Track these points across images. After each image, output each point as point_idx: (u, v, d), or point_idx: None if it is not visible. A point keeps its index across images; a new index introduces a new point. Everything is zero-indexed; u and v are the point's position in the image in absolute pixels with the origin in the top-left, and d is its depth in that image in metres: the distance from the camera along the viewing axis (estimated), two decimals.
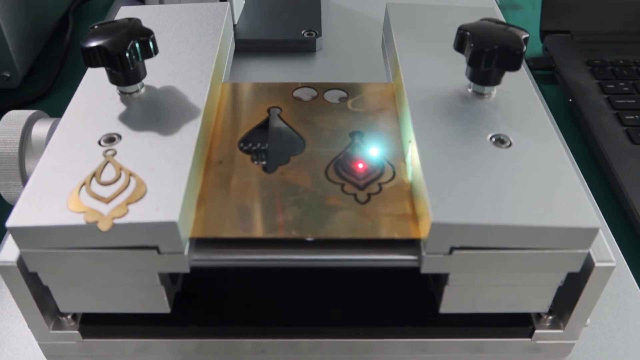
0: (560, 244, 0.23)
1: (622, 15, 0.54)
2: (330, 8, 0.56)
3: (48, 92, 0.51)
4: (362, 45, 0.51)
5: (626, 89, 0.47)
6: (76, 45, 0.56)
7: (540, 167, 0.25)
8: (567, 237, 0.23)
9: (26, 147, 0.29)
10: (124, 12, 0.34)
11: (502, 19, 0.54)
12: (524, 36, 0.27)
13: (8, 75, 0.48)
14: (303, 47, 0.50)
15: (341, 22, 0.54)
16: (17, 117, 0.30)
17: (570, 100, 0.48)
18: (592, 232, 0.23)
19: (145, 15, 0.34)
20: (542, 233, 0.23)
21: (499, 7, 0.58)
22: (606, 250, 0.25)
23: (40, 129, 0.30)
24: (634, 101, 0.46)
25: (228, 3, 0.36)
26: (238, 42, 0.48)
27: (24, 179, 0.29)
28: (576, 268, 0.24)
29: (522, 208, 0.23)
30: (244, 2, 0.53)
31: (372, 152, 0.28)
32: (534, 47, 0.55)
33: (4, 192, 0.29)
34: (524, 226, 0.23)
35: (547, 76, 0.53)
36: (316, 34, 0.50)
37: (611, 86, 0.48)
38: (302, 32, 0.50)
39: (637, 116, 0.45)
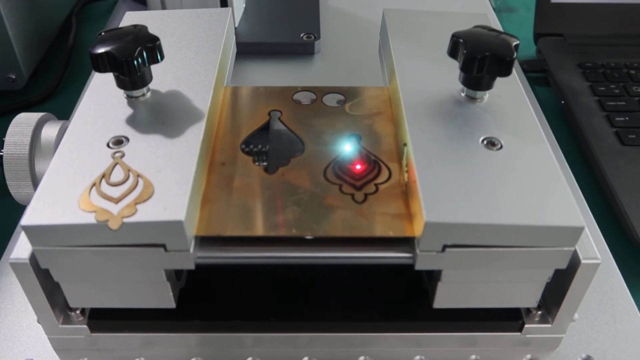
0: (547, 242, 0.25)
1: (614, 19, 0.55)
2: (328, 12, 0.57)
3: (52, 94, 0.52)
4: (360, 48, 0.52)
5: (617, 91, 0.49)
6: (79, 48, 0.57)
7: (529, 169, 0.26)
8: (553, 235, 0.24)
9: (36, 148, 0.30)
10: (129, 18, 0.35)
11: (497, 22, 0.56)
12: (514, 43, 0.28)
13: (13, 77, 0.49)
14: (302, 49, 0.51)
15: (339, 25, 0.55)
16: (27, 119, 0.31)
17: (563, 102, 0.49)
18: (578, 231, 0.24)
19: (150, 20, 0.35)
20: (530, 231, 0.24)
21: (494, 10, 0.59)
22: (592, 247, 0.26)
23: (49, 131, 0.31)
24: (624, 103, 0.47)
25: (230, 8, 0.37)
26: (238, 44, 0.49)
27: (34, 179, 0.30)
28: (563, 265, 0.26)
29: (512, 208, 0.24)
30: (244, 5, 0.54)
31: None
32: (527, 49, 0.57)
33: (14, 192, 0.31)
34: (513, 225, 0.24)
35: (540, 78, 0.54)
36: (315, 37, 0.51)
37: (602, 88, 0.49)
38: (301, 35, 0.51)
39: (626, 118, 0.46)
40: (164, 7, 0.50)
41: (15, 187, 0.30)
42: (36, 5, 0.52)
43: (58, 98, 0.52)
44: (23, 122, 0.31)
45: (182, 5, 0.49)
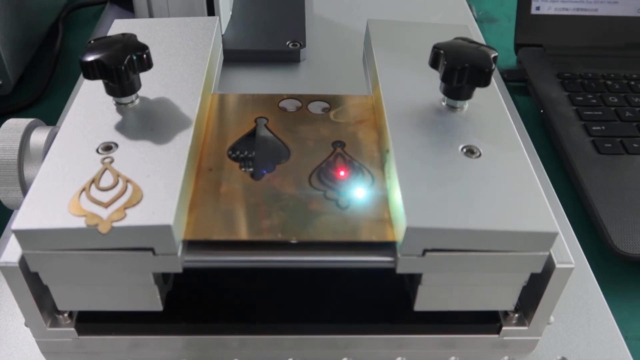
0: (523, 247, 0.26)
1: (592, 30, 0.57)
2: (314, 20, 0.58)
3: (39, 99, 0.52)
4: (344, 56, 0.53)
5: (594, 101, 0.50)
6: (66, 53, 0.58)
7: (506, 176, 0.27)
8: (529, 240, 0.25)
9: (25, 154, 0.31)
10: (117, 26, 0.35)
11: (478, 32, 0.57)
12: (493, 55, 0.29)
13: (0, 82, 0.50)
14: (288, 57, 0.52)
15: (325, 34, 0.56)
16: (16, 125, 0.31)
17: (542, 111, 0.51)
18: (552, 236, 0.25)
19: (138, 29, 0.35)
20: (506, 236, 0.25)
21: (476, 20, 0.61)
22: (566, 252, 0.27)
23: (38, 137, 0.31)
24: (600, 113, 0.49)
25: (217, 17, 0.37)
26: (225, 52, 0.50)
27: (23, 184, 0.31)
28: (538, 269, 0.27)
29: (489, 214, 0.25)
30: (230, 13, 0.55)
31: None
32: (508, 59, 0.58)
33: (2, 197, 0.31)
34: (490, 230, 0.25)
35: (520, 87, 0.55)
36: (300, 45, 0.52)
37: (580, 98, 0.50)
38: (287, 43, 0.52)
39: (603, 127, 0.47)
40: (151, 15, 0.50)
41: (4, 192, 0.31)
42: (23, 10, 0.52)
43: (45, 103, 0.52)
44: (12, 128, 0.31)
45: (170, 14, 0.50)
